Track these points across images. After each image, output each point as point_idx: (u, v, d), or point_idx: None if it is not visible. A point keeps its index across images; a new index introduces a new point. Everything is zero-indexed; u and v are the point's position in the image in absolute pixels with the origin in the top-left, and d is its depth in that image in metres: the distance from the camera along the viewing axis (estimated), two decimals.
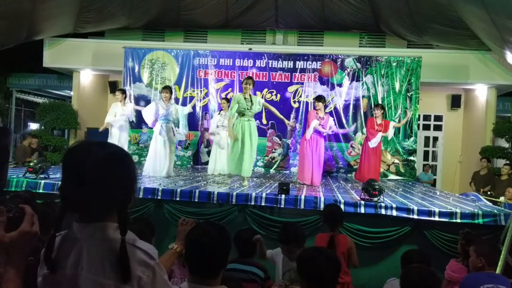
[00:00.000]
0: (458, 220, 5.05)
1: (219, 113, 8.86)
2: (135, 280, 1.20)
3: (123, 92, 8.30)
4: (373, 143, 7.79)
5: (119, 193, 1.26)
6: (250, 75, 10.29)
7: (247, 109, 6.74)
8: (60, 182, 1.30)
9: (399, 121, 9.66)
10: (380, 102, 9.92)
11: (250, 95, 6.85)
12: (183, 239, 1.98)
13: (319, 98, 7.34)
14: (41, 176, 6.02)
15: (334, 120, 8.05)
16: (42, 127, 11.39)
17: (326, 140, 8.32)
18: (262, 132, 10.25)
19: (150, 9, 10.90)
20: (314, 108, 7.42)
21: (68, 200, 1.26)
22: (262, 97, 10.25)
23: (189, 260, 1.75)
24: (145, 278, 1.21)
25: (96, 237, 1.24)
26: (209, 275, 1.70)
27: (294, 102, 10.20)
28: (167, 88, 7.67)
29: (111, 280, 1.20)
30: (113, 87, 11.85)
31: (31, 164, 6.16)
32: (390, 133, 7.94)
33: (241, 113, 6.78)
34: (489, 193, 7.98)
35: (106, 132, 8.17)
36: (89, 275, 1.21)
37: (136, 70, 10.60)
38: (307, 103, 10.14)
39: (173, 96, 8.19)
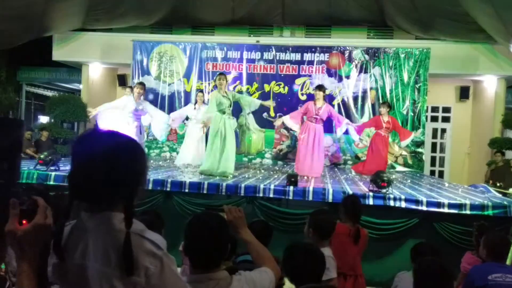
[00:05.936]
0: (468, 212, 5.05)
1: (194, 107, 8.76)
2: (142, 270, 1.18)
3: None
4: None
5: (126, 185, 1.24)
6: (258, 67, 10.33)
7: (228, 107, 6.69)
8: (69, 170, 1.27)
9: (407, 113, 9.72)
10: (388, 93, 9.90)
11: (226, 92, 6.82)
12: (240, 227, 1.90)
13: (320, 87, 7.43)
14: (52, 168, 6.10)
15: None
16: (52, 120, 11.48)
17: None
18: (269, 124, 10.27)
19: (158, 9, 10.89)
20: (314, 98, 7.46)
21: (75, 188, 1.24)
22: (270, 90, 10.28)
23: (189, 252, 1.73)
24: (153, 268, 1.19)
25: (102, 227, 1.22)
26: (211, 266, 1.70)
27: (302, 94, 10.18)
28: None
29: (117, 271, 1.18)
30: (122, 80, 11.90)
31: (42, 156, 6.24)
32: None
33: (221, 111, 6.68)
34: (498, 184, 7.94)
35: None
36: (96, 265, 1.20)
37: (145, 63, 10.63)
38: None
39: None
